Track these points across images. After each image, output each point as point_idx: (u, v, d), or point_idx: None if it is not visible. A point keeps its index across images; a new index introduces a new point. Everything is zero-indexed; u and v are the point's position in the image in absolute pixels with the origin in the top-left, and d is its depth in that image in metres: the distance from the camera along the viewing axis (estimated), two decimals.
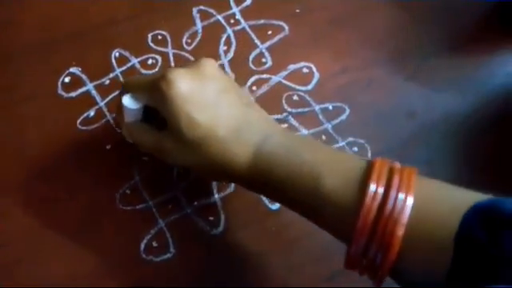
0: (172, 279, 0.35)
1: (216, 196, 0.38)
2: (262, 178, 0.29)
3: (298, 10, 0.45)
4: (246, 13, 0.45)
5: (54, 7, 0.44)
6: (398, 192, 0.25)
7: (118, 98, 0.33)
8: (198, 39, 0.43)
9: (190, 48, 0.43)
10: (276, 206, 0.38)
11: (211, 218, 0.37)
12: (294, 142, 0.30)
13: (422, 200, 0.25)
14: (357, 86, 0.43)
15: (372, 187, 0.25)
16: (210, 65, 0.31)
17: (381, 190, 0.25)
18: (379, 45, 0.45)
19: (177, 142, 0.30)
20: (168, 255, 0.36)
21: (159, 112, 0.31)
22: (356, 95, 0.42)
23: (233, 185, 0.38)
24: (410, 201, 0.25)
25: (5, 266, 0.35)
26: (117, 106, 0.35)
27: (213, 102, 0.30)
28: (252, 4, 0.45)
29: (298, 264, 0.37)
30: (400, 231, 0.24)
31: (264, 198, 0.38)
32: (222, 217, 0.37)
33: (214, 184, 0.38)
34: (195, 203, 0.38)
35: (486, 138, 0.42)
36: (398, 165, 0.27)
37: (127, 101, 0.32)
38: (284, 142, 0.30)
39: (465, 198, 0.25)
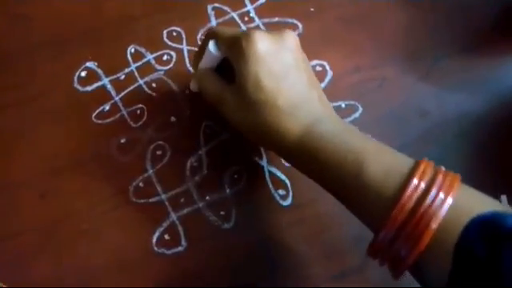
0: (183, 272, 0.36)
1: (228, 191, 0.38)
2: (307, 156, 0.30)
3: (312, 9, 0.46)
4: (260, 10, 0.45)
5: (70, 3, 0.45)
6: (439, 190, 0.25)
7: (202, 42, 0.35)
8: None
9: None
10: (288, 202, 0.38)
11: (222, 213, 0.38)
12: (345, 129, 0.31)
13: (460, 202, 0.25)
14: (370, 85, 0.43)
15: (415, 181, 0.26)
16: (292, 37, 0.33)
17: (423, 185, 0.26)
18: (392, 44, 0.45)
19: (239, 98, 0.31)
20: (180, 248, 0.36)
21: (233, 68, 0.32)
22: (369, 94, 0.42)
23: (245, 179, 0.39)
24: (450, 200, 0.25)
25: (18, 258, 0.36)
26: (198, 50, 0.36)
27: (283, 72, 0.31)
28: (266, 2, 0.45)
29: (308, 261, 0.37)
30: (434, 225, 0.25)
31: (276, 195, 0.38)
32: (234, 212, 0.38)
33: (226, 179, 0.39)
34: (207, 198, 0.38)
35: (499, 138, 0.42)
36: (443, 168, 0.27)
37: (212, 46, 0.34)
38: (335, 127, 0.31)
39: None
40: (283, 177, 0.39)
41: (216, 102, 0.34)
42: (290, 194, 0.38)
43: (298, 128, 0.30)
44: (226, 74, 0.34)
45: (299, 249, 0.37)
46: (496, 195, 0.38)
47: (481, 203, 0.26)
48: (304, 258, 0.37)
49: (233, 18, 0.45)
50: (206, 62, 0.35)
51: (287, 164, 0.39)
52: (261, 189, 0.38)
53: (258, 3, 0.45)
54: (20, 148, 0.39)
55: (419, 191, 0.26)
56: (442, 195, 0.25)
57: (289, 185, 0.39)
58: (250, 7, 0.45)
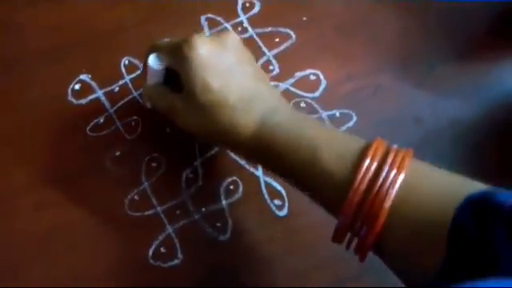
0: (180, 285, 0.36)
1: (224, 202, 0.38)
2: (263, 148, 0.31)
3: (304, 18, 0.46)
4: (253, 21, 0.45)
5: (63, 15, 0.45)
6: (390, 168, 0.26)
7: (145, 59, 0.35)
8: None
9: None
10: (283, 212, 0.38)
11: (219, 224, 0.38)
12: (298, 118, 0.32)
13: (414, 179, 0.26)
14: (364, 93, 0.43)
15: (366, 162, 0.26)
16: (232, 37, 0.33)
17: (374, 166, 0.26)
18: (386, 51, 0.45)
19: (189, 103, 0.32)
20: (176, 261, 0.36)
21: (179, 76, 0.32)
22: (363, 102, 0.43)
23: (240, 190, 0.39)
24: (401, 177, 0.26)
25: (9, 268, 0.35)
26: (142, 67, 0.37)
27: (228, 70, 0.32)
28: (259, 12, 0.46)
29: (304, 270, 0.37)
30: (387, 204, 0.25)
31: (272, 205, 0.38)
32: (230, 223, 0.38)
33: (222, 190, 0.39)
34: (203, 209, 0.38)
35: (493, 144, 0.42)
36: (395, 146, 0.28)
37: (152, 60, 0.34)
38: (288, 117, 0.31)
39: (458, 186, 0.26)
40: (279, 187, 0.39)
41: (168, 112, 0.34)
42: (286, 204, 0.38)
43: (252, 122, 0.31)
44: (176, 85, 0.34)
45: (296, 258, 0.37)
46: None
47: (433, 176, 0.27)
48: (300, 268, 0.37)
49: (226, 28, 0.45)
50: (151, 78, 0.35)
51: None
52: (257, 199, 0.38)
53: (251, 13, 0.45)
54: (11, 157, 0.39)
55: (370, 173, 0.26)
56: (393, 173, 0.26)
57: (285, 195, 0.39)
58: (242, 17, 0.45)
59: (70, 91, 0.42)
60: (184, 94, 0.32)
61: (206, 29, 0.45)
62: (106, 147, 0.40)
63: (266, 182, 0.39)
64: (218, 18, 0.45)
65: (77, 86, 0.42)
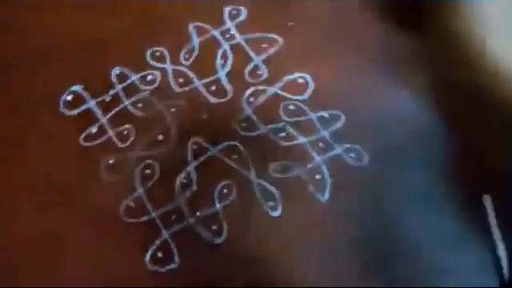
0: None
1: (218, 205, 0.39)
2: None
3: (291, 23, 0.47)
4: (240, 27, 0.46)
5: (56, 20, 0.45)
6: None
7: None
8: (195, 54, 0.45)
9: (187, 63, 0.44)
10: (277, 213, 0.39)
11: (214, 227, 0.38)
12: None
13: None
14: (351, 94, 0.44)
15: None
16: None
17: None
18: (371, 53, 0.46)
19: None
20: (173, 265, 0.37)
21: None
22: (350, 103, 0.43)
23: (234, 193, 0.39)
24: None
25: (7, 269, 0.36)
26: None
27: None
28: (246, 19, 0.47)
29: (300, 269, 0.37)
30: None
31: (265, 206, 0.39)
32: (225, 225, 0.38)
33: (216, 194, 0.39)
34: (198, 213, 0.38)
35: (485, 138, 0.42)
36: None
37: None
38: None
39: None
40: (272, 188, 0.40)
41: None
42: (280, 205, 0.39)
43: None
44: None
45: (290, 257, 0.37)
46: (481, 194, 0.39)
47: None
48: (296, 266, 0.37)
49: (214, 35, 0.46)
50: None
51: (276, 175, 0.40)
52: (250, 201, 0.39)
53: (238, 20, 0.46)
54: (10, 167, 0.39)
55: None
56: None
57: (277, 196, 0.39)
58: (230, 24, 0.46)
59: (62, 103, 0.42)
60: None
61: (194, 37, 0.45)
62: (99, 156, 0.40)
63: (259, 184, 0.40)
64: (206, 26, 0.46)
65: (69, 98, 0.42)
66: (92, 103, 0.42)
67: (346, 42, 0.46)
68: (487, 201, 0.38)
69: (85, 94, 0.42)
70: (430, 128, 0.43)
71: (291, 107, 0.43)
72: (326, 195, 0.39)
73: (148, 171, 0.40)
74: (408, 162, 0.40)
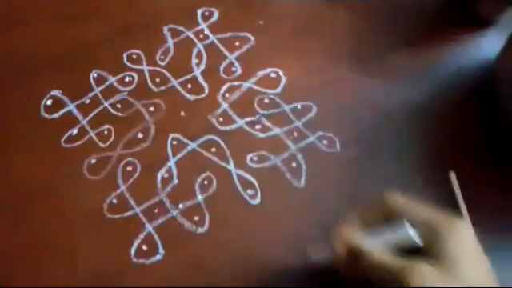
0: (164, 279, 0.37)
1: (199, 197, 0.40)
2: None
3: (261, 22, 0.49)
4: (213, 28, 0.48)
5: (30, 32, 0.46)
6: None
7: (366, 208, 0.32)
8: (170, 55, 0.46)
9: (163, 63, 0.46)
10: (257, 201, 0.40)
11: (196, 218, 0.39)
12: None
13: None
14: (321, 85, 0.46)
15: None
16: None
17: None
18: (340, 46, 0.48)
19: (439, 271, 0.28)
20: (158, 257, 0.38)
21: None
22: (321, 94, 0.45)
23: (215, 185, 0.41)
24: None
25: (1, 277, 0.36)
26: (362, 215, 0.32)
27: (483, 272, 0.29)
28: (218, 19, 0.48)
29: (281, 255, 0.38)
30: None
31: (245, 195, 0.40)
32: (207, 216, 0.39)
33: (197, 186, 0.41)
34: (180, 206, 0.40)
35: (443, 122, 0.45)
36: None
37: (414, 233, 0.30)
38: None
39: None
40: (250, 178, 0.41)
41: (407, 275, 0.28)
42: (259, 193, 0.41)
43: None
44: None
45: (271, 243, 0.39)
46: (446, 172, 0.41)
47: None
48: (277, 252, 0.39)
49: (188, 36, 0.47)
50: (390, 241, 0.30)
51: (254, 165, 0.41)
52: (230, 191, 0.40)
53: (211, 21, 0.48)
54: None
55: None
56: None
57: (256, 185, 0.41)
58: (203, 25, 0.48)
59: (42, 107, 0.43)
60: (444, 272, 0.28)
61: (168, 38, 0.47)
62: (81, 156, 0.41)
63: (237, 174, 0.41)
64: (180, 28, 0.48)
65: (48, 102, 0.43)
66: (72, 106, 0.43)
67: (314, 37, 0.48)
68: (453, 177, 0.41)
69: (64, 98, 0.44)
70: (397, 114, 0.45)
71: (266, 100, 0.44)
72: (303, 182, 0.41)
73: (130, 168, 0.41)
74: (381, 146, 0.42)
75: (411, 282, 0.27)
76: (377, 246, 0.30)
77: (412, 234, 0.29)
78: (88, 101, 0.44)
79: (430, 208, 0.30)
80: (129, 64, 0.46)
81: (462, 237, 0.29)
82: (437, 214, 0.30)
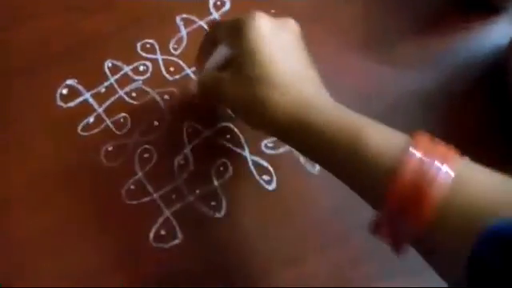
0: (183, 262, 0.38)
1: (216, 183, 0.41)
2: (302, 133, 0.30)
3: (273, 11, 0.49)
4: (225, 17, 0.48)
5: (45, 24, 0.47)
6: (441, 162, 0.25)
7: (204, 40, 0.39)
8: (183, 44, 0.47)
9: (177, 53, 0.46)
10: (272, 186, 0.41)
11: (213, 203, 0.40)
12: (338, 107, 0.31)
13: (464, 173, 0.25)
14: (331, 74, 0.46)
15: (415, 153, 0.25)
16: (292, 22, 0.35)
17: (421, 157, 0.25)
18: (349, 34, 0.49)
19: (236, 74, 0.32)
20: (176, 241, 0.39)
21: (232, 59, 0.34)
22: (331, 82, 0.46)
23: (230, 170, 0.41)
24: (451, 173, 0.24)
25: (18, 263, 0.37)
26: (200, 48, 0.39)
27: (282, 50, 0.32)
28: (230, 9, 0.49)
29: (296, 237, 0.39)
30: (436, 193, 0.24)
31: (261, 181, 0.41)
32: (224, 201, 0.40)
33: (213, 172, 0.41)
34: (197, 191, 0.40)
35: (452, 111, 0.46)
36: (442, 142, 0.27)
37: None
38: (328, 105, 0.31)
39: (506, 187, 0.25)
40: (266, 164, 0.42)
41: (213, 87, 0.35)
42: (274, 178, 0.41)
43: (293, 103, 0.30)
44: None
45: (286, 228, 0.40)
46: None
47: (480, 175, 0.25)
48: (292, 235, 0.39)
49: (201, 25, 0.48)
50: (215, 60, 0.37)
51: (268, 151, 0.42)
52: (246, 177, 0.41)
53: (223, 10, 0.49)
54: (7, 165, 0.41)
55: (418, 162, 0.25)
56: (443, 166, 0.24)
57: (272, 170, 0.42)
58: (215, 14, 0.49)
59: (57, 96, 0.44)
60: (234, 64, 0.33)
61: (182, 28, 0.48)
62: (98, 144, 0.42)
63: (253, 160, 0.42)
64: (193, 17, 0.48)
65: (64, 91, 0.44)
66: (87, 95, 0.44)
67: (325, 25, 0.49)
68: None
69: (80, 87, 0.44)
70: (406, 102, 0.46)
71: None
72: (317, 167, 0.42)
73: (146, 155, 0.41)
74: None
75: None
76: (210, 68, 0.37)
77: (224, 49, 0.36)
78: (103, 89, 0.44)
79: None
80: (143, 53, 0.46)
81: (259, 24, 0.32)
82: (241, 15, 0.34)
